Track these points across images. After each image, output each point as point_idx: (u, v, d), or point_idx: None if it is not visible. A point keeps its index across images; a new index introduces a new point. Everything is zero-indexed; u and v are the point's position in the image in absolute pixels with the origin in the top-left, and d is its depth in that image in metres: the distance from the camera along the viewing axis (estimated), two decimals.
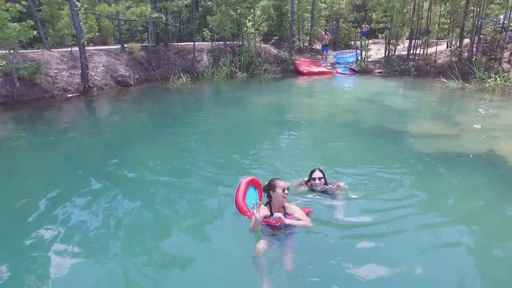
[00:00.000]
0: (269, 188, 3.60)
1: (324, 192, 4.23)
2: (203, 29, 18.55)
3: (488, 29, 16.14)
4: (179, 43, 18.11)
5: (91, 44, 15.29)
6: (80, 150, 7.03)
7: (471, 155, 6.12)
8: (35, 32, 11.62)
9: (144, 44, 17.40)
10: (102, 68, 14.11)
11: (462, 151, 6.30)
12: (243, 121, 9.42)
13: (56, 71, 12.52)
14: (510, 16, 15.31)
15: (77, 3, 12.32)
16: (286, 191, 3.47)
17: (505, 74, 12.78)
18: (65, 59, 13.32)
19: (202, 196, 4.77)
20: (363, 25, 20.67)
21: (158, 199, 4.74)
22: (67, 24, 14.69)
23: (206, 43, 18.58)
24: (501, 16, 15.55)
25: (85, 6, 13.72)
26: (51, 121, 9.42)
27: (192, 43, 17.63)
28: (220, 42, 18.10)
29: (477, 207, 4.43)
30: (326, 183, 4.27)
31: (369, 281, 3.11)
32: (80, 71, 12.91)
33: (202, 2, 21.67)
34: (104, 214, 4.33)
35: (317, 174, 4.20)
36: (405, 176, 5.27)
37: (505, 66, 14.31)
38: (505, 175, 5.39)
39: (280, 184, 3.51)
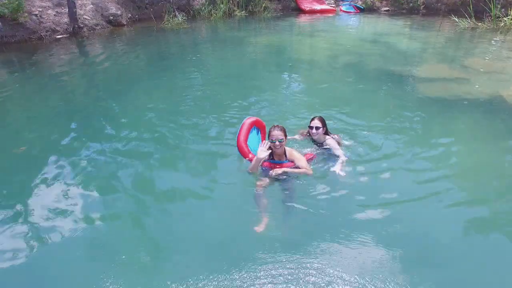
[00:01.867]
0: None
1: (321, 144, 4.05)
2: None
3: None
4: None
5: None
6: (74, 95, 6.83)
7: (478, 99, 5.94)
8: None
9: None
10: (91, 6, 13.18)
11: (469, 96, 6.09)
12: (242, 63, 9.05)
13: (40, 9, 11.69)
14: None
15: None
16: (277, 143, 3.44)
17: None
18: None
19: (202, 138, 4.76)
20: None
21: (158, 142, 4.68)
22: None
23: None
24: None
25: None
26: (41, 64, 9.00)
27: None
28: None
29: (483, 151, 4.39)
30: (326, 133, 4.08)
31: (366, 225, 3.14)
32: (67, 9, 12.07)
33: None
34: (105, 158, 4.32)
35: (315, 123, 3.96)
36: (409, 121, 5.16)
37: None
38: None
39: (272, 133, 3.49)
